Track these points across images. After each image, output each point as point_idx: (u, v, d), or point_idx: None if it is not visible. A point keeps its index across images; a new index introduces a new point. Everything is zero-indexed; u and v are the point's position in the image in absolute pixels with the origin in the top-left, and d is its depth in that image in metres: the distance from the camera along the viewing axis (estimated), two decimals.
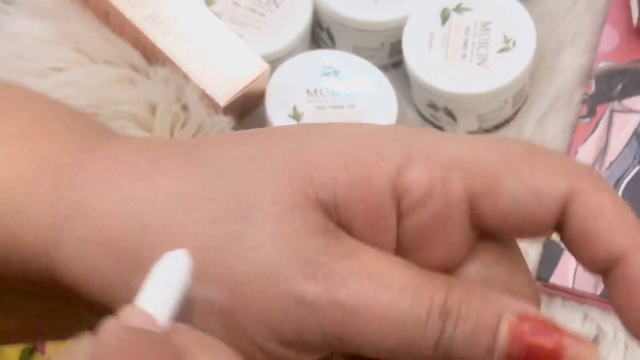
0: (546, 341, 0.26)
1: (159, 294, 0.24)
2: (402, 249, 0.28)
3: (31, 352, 0.54)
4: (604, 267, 0.27)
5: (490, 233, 0.28)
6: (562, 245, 0.56)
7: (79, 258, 0.27)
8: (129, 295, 0.25)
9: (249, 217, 0.26)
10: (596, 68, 0.61)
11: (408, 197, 0.27)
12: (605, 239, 0.26)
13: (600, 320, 0.55)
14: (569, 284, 0.55)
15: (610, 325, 0.55)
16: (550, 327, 0.26)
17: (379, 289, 0.26)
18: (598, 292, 0.54)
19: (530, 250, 0.57)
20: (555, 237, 0.56)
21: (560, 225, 0.28)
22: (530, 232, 0.28)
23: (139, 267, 0.26)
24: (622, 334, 0.54)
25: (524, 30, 0.60)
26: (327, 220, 0.27)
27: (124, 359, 0.22)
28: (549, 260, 0.55)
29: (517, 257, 0.29)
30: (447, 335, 0.26)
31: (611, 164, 0.58)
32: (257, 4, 0.62)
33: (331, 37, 0.63)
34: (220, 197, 0.27)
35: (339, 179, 0.27)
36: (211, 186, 0.27)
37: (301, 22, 0.61)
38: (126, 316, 0.24)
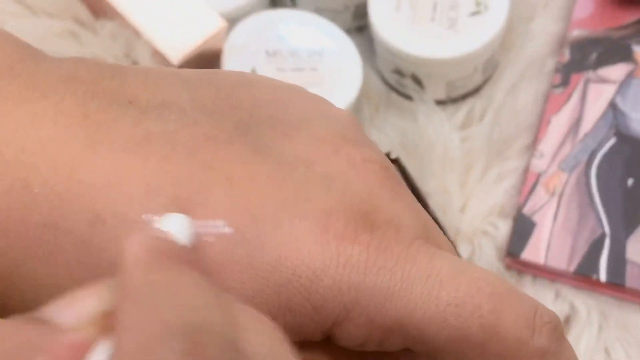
0: None
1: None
2: None
3: None
4: None
5: None
6: (534, 219, 0.54)
7: None
8: None
9: None
10: (570, 36, 0.59)
11: (339, 341, 0.25)
12: None
13: (573, 298, 0.52)
14: (541, 261, 0.52)
15: (584, 304, 0.52)
16: None
17: None
18: (571, 270, 0.52)
19: (501, 224, 0.54)
20: (527, 210, 0.53)
21: None
22: None
23: None
24: (595, 313, 0.52)
25: None
26: None
27: (164, 261, 0.19)
28: (520, 235, 0.52)
29: None
30: None
31: (586, 135, 0.55)
32: None
33: None
34: None
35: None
36: None
37: None
38: (148, 230, 0.21)
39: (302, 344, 0.25)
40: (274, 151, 0.25)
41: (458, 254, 0.29)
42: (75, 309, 0.19)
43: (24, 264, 0.24)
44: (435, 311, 0.24)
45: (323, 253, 0.24)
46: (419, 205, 0.27)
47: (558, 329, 0.25)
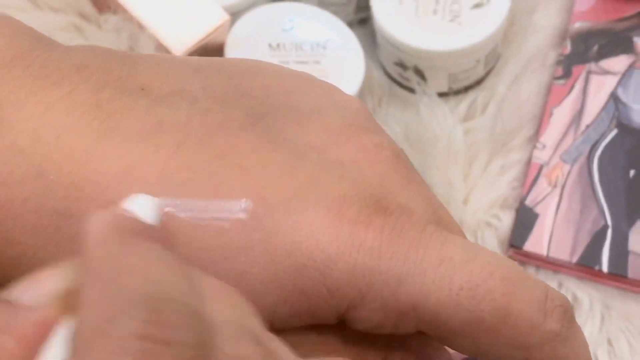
0: None
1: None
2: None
3: None
4: None
5: None
6: (537, 210, 0.54)
7: None
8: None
9: None
10: (572, 28, 0.59)
11: (353, 325, 0.25)
12: None
13: (576, 289, 0.52)
14: (544, 252, 0.52)
15: (586, 295, 0.52)
16: None
17: None
18: (574, 261, 0.52)
19: (503, 216, 0.54)
20: (529, 202, 0.53)
21: None
22: None
23: None
24: (598, 304, 0.52)
25: None
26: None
27: (126, 236, 0.19)
28: (522, 227, 0.53)
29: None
30: None
31: (587, 127, 0.56)
32: None
33: None
34: None
35: (278, 311, 0.24)
36: None
37: None
38: (115, 209, 0.21)
39: (314, 327, 0.25)
40: (286, 139, 0.25)
41: None
42: (39, 288, 0.19)
43: (40, 251, 0.25)
44: (448, 295, 0.24)
45: (337, 238, 0.24)
46: (430, 190, 0.27)
47: (568, 312, 0.25)
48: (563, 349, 0.26)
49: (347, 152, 0.26)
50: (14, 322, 0.19)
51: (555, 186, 0.54)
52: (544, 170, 0.54)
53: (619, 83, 0.57)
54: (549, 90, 0.58)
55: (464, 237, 0.27)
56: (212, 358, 0.18)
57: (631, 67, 0.57)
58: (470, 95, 0.58)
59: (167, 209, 0.23)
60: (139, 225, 0.20)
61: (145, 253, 0.19)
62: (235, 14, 0.56)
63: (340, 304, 0.24)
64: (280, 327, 0.24)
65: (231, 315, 0.19)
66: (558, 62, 0.58)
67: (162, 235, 0.20)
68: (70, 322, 0.18)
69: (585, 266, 0.52)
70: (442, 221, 0.27)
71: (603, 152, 0.55)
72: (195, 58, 0.28)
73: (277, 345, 0.20)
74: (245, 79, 0.27)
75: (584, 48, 0.58)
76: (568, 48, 0.58)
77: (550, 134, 0.55)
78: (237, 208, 0.24)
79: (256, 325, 0.20)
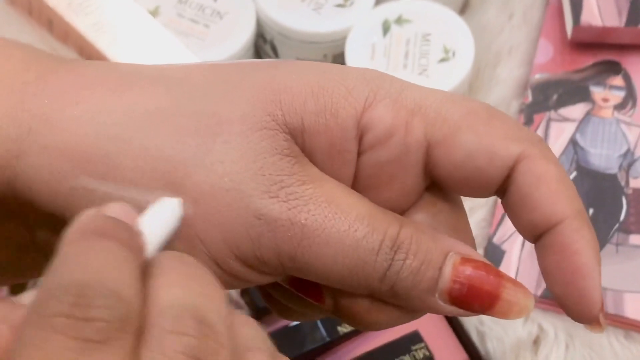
0: (485, 282, 0.27)
1: (147, 231, 0.24)
2: (357, 187, 0.28)
3: None
4: (539, 232, 0.28)
5: (440, 186, 0.29)
6: (503, 248, 0.58)
7: (43, 166, 0.27)
8: (91, 204, 0.25)
9: (218, 133, 0.27)
10: (532, 79, 0.63)
11: (370, 134, 0.28)
12: (545, 204, 0.27)
13: (542, 320, 0.56)
14: None
15: (551, 325, 0.56)
16: (491, 271, 0.28)
17: (337, 214, 0.27)
18: (539, 293, 0.56)
19: None
20: (497, 240, 0.57)
21: (504, 188, 0.28)
22: (477, 188, 0.29)
23: (103, 174, 0.26)
24: (562, 334, 0.56)
25: (463, 41, 0.61)
26: (292, 144, 0.27)
27: (87, 236, 0.22)
28: (491, 262, 0.56)
29: (460, 212, 0.30)
30: (395, 267, 0.27)
31: None
32: (201, 15, 0.63)
33: (274, 49, 0.64)
34: (190, 113, 0.27)
35: (307, 105, 0.27)
36: (181, 104, 0.27)
37: (245, 34, 0.62)
38: (109, 207, 0.24)
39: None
40: None
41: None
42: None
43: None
44: (444, 94, 0.28)
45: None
46: None
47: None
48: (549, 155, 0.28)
49: None
50: (11, 315, 0.22)
51: None
52: None
53: (577, 129, 0.61)
54: None
55: None
56: (131, 329, 0.21)
57: (588, 114, 0.62)
58: None
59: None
60: (108, 226, 0.23)
61: (94, 249, 0.22)
62: None
63: (358, 100, 0.27)
64: (309, 127, 0.27)
65: (180, 296, 0.22)
66: (520, 111, 0.62)
67: (130, 237, 0.23)
68: None
69: (550, 298, 0.56)
70: None
71: None
72: None
73: (235, 321, 0.23)
74: None
75: (544, 97, 0.63)
76: (529, 98, 0.63)
77: None
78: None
79: (209, 306, 0.23)
